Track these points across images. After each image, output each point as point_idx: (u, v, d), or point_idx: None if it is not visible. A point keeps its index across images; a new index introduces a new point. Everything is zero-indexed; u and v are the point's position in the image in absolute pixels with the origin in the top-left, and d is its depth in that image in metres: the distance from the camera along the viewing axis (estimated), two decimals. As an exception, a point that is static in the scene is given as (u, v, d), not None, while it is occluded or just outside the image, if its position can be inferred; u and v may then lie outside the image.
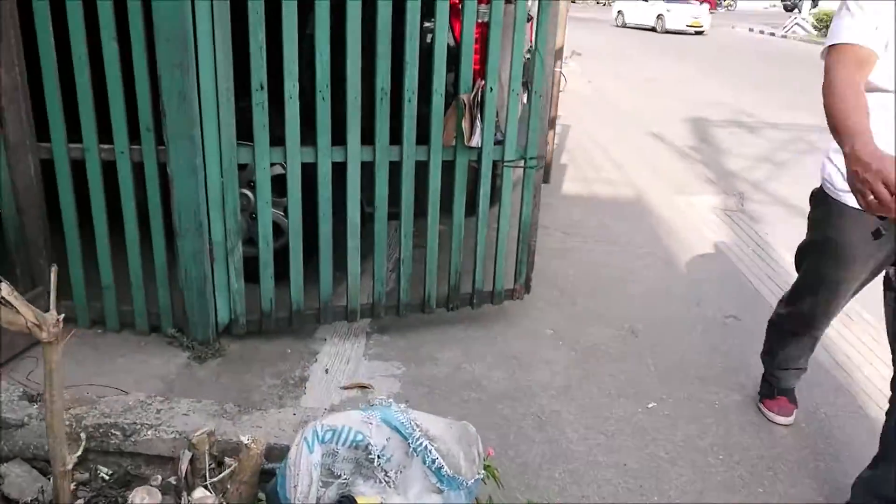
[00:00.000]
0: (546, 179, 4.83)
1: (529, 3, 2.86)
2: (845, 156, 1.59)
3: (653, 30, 24.14)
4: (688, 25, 23.31)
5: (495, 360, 2.89)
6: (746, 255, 4.27)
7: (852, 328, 3.42)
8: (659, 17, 24.05)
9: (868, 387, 2.89)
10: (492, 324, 3.16)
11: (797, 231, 5.03)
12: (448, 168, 2.79)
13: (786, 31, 24.60)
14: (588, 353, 3.01)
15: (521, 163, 2.91)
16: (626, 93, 10.78)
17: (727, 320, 3.40)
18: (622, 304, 3.50)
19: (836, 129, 1.69)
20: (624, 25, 25.81)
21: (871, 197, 1.45)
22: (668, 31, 23.42)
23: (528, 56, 3.07)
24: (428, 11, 2.59)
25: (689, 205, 5.10)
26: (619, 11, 26.65)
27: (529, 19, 2.92)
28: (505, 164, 2.87)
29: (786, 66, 15.94)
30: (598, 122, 7.94)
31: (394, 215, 2.82)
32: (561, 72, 5.11)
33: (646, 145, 6.91)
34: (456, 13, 2.75)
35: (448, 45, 2.64)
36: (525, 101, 3.15)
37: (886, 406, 2.72)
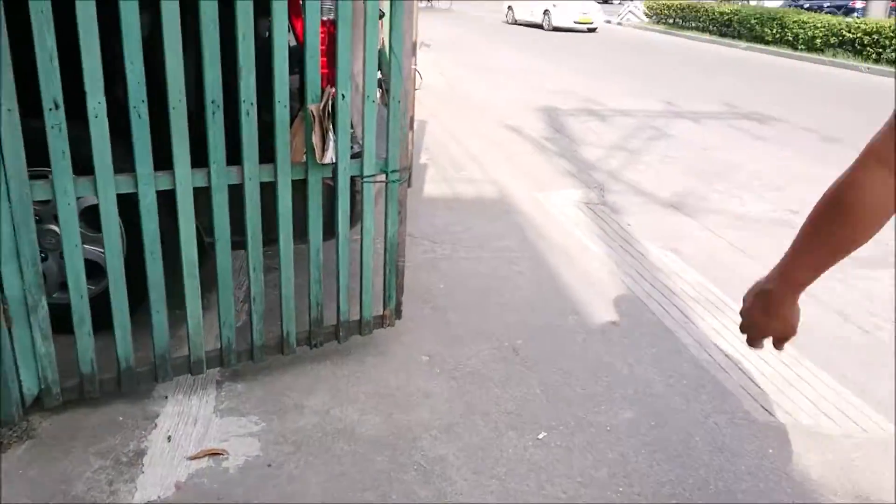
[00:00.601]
0: (408, 183, 4.55)
1: (380, -3, 2.55)
2: (765, 292, 1.23)
3: (540, 27, 22.66)
4: (576, 22, 21.93)
5: (369, 401, 2.57)
6: (614, 251, 4.20)
7: (721, 319, 3.41)
8: (545, 12, 22.57)
9: (750, 387, 2.84)
10: (362, 357, 2.84)
11: (657, 220, 5.14)
12: (300, 187, 2.43)
13: (621, 19, 25.81)
14: (469, 379, 2.76)
15: (383, 177, 2.60)
16: (478, 85, 10.72)
17: (606, 327, 3.27)
18: (498, 317, 3.29)
19: (811, 247, 1.14)
20: (514, 22, 24.26)
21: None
22: (556, 29, 21.95)
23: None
24: (264, 7, 2.21)
25: (552, 201, 5.00)
26: (508, 7, 24.91)
27: (381, 15, 2.60)
28: (364, 179, 2.55)
29: (624, 53, 16.64)
30: (454, 117, 7.77)
31: (239, 245, 2.43)
32: (416, 69, 4.81)
33: (503, 139, 6.80)
34: (296, 10, 2.39)
35: (291, 46, 2.28)
36: (381, 104, 2.84)
37: (773, 408, 2.71)
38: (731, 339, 3.21)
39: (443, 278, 3.65)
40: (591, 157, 6.66)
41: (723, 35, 20.36)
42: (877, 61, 15.21)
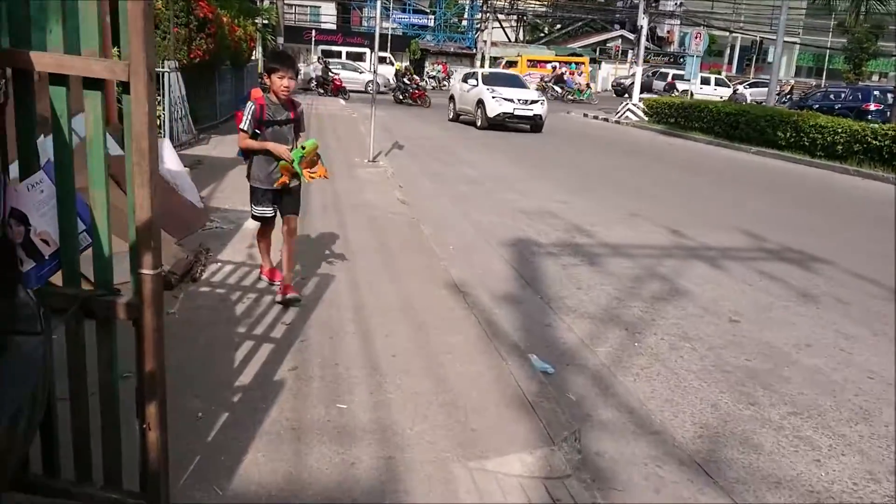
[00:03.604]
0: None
1: None
2: None
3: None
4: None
5: None
6: None
7: None
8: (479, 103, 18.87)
9: None
10: None
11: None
12: None
13: (619, 117, 24.25)
14: None
15: None
16: (439, 203, 8.65)
17: None
18: None
19: None
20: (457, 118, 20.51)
21: None
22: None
23: None
24: None
25: (478, 488, 2.71)
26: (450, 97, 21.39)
27: None
28: None
29: (623, 154, 14.71)
30: (384, 264, 5.59)
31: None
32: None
33: (437, 312, 4.56)
34: None
35: None
36: None
37: None
38: None
39: None
40: (568, 341, 4.44)
41: (730, 137, 18.57)
42: (910, 172, 13.27)
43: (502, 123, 18.38)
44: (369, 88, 25.92)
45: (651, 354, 4.35)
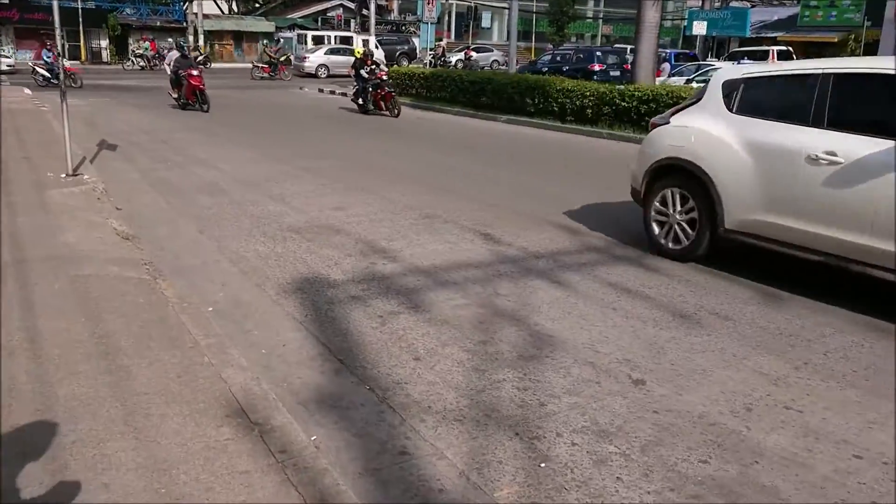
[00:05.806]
0: None
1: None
2: None
3: None
4: None
5: None
6: None
7: None
8: None
9: None
10: None
11: None
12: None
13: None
14: None
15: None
16: (178, 229, 6.34)
17: None
18: None
19: None
20: None
21: None
22: None
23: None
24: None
25: None
26: None
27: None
28: None
29: (373, 132, 13.02)
30: (111, 387, 3.34)
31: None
32: None
33: (227, 494, 2.58)
34: None
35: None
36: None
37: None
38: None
39: None
40: (447, 483, 2.75)
41: (476, 107, 17.92)
42: (659, 132, 13.38)
43: None
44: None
45: (576, 483, 2.80)
